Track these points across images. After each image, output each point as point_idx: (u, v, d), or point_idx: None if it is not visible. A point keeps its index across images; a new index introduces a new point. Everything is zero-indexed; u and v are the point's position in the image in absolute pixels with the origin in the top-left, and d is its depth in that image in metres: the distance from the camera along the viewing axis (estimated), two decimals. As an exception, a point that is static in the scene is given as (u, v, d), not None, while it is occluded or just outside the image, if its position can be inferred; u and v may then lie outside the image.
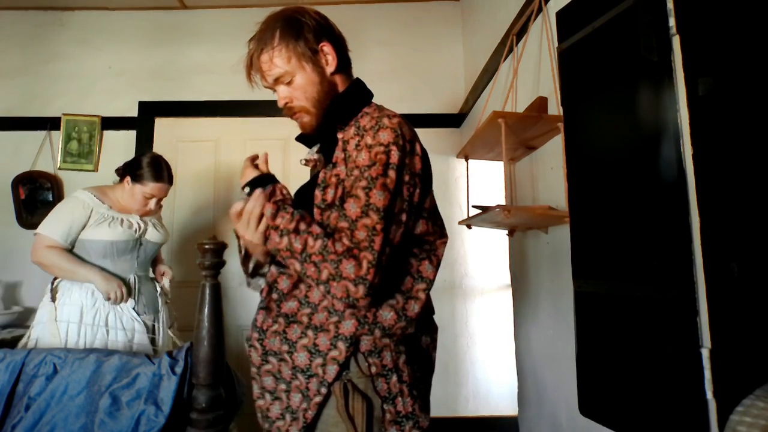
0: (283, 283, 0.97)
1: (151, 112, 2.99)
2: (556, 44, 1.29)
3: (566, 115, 1.24)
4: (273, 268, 1.00)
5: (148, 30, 3.07)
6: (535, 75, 1.80)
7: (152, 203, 1.90)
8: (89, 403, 1.31)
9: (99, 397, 1.32)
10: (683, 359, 0.86)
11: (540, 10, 1.69)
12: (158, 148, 2.97)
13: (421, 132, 3.37)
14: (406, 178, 0.91)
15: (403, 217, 0.90)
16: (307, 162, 1.08)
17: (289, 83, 0.99)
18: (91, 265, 1.79)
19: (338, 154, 0.95)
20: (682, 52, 0.91)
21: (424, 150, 0.98)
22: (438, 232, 1.01)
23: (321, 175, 0.95)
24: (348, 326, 0.90)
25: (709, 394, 0.84)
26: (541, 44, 1.71)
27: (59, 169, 2.90)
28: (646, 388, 0.94)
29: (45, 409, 1.31)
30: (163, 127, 3.01)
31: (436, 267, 0.99)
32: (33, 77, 3.00)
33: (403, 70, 3.05)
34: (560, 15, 1.26)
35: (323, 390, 0.89)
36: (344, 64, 1.04)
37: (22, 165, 2.86)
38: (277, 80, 0.99)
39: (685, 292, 0.87)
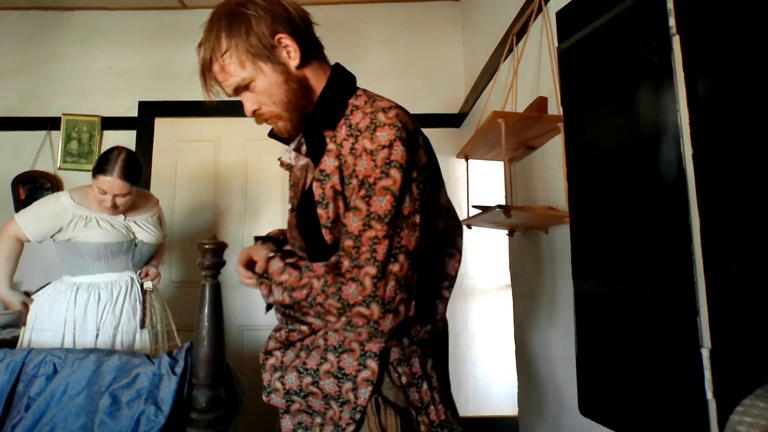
0: (295, 337, 0.91)
1: (151, 112, 3.00)
2: (556, 44, 1.29)
3: (566, 115, 1.24)
4: (283, 330, 0.93)
5: (148, 30, 3.08)
6: (535, 75, 1.80)
7: (107, 200, 1.74)
8: (89, 403, 1.31)
9: (99, 397, 1.32)
10: (683, 359, 0.86)
11: (540, 10, 1.69)
12: (158, 148, 2.97)
13: (421, 132, 3.26)
14: (414, 174, 0.80)
15: (417, 218, 0.79)
16: (282, 164, 0.99)
17: (251, 89, 0.87)
18: (6, 279, 1.79)
19: (331, 162, 0.83)
20: (682, 52, 0.91)
21: (426, 140, 0.89)
22: (455, 225, 0.94)
23: (317, 189, 0.84)
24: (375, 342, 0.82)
25: (709, 394, 0.84)
26: (541, 44, 1.71)
27: (59, 169, 2.90)
28: (646, 388, 0.94)
29: (45, 409, 1.31)
30: (163, 127, 3.01)
31: (459, 261, 0.93)
32: (33, 77, 3.00)
33: (403, 70, 3.05)
34: (560, 15, 1.26)
35: (357, 416, 0.80)
36: (311, 50, 0.90)
37: (22, 165, 2.87)
38: (237, 89, 0.88)
39: (685, 292, 0.87)
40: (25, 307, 1.80)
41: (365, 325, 0.76)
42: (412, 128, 0.83)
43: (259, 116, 0.90)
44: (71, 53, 3.04)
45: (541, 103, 1.65)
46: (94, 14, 3.09)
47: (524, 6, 1.82)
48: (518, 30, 1.90)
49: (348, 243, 0.79)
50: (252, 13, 0.84)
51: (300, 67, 0.88)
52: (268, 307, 0.98)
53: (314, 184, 0.85)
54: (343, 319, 0.78)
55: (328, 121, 0.87)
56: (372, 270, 0.75)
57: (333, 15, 3.10)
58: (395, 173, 0.77)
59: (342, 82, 0.91)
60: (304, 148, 0.94)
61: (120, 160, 1.73)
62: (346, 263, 0.78)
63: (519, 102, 1.92)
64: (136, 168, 1.78)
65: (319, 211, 0.84)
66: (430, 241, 0.88)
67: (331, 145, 0.85)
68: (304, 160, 0.94)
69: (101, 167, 1.73)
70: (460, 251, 0.94)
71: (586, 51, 1.14)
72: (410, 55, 3.07)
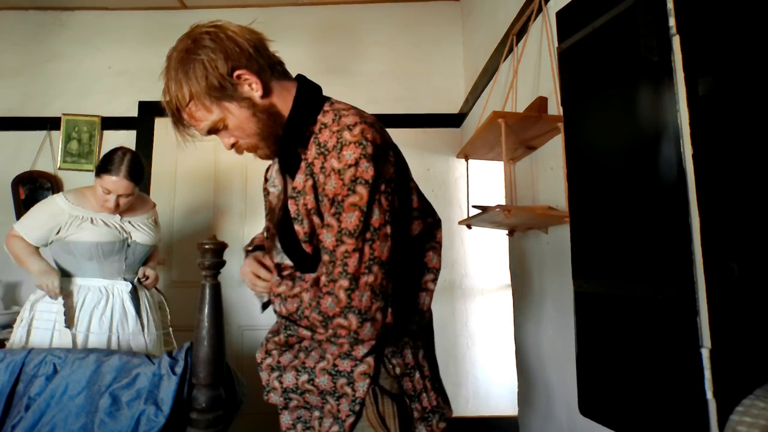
0: (294, 340, 0.95)
1: (151, 112, 2.99)
2: (556, 44, 1.29)
3: (566, 115, 1.24)
4: (281, 334, 0.96)
5: (148, 30, 3.07)
6: (535, 75, 1.80)
7: (111, 200, 1.75)
8: (89, 403, 1.31)
9: (99, 397, 1.32)
10: (683, 359, 0.86)
11: (540, 10, 1.69)
12: (158, 148, 2.97)
13: (421, 132, 3.34)
14: (383, 187, 0.83)
15: (388, 229, 0.82)
16: (266, 189, 1.05)
17: (224, 128, 0.90)
18: (39, 258, 1.79)
19: (301, 180, 0.87)
20: (682, 52, 0.91)
21: (395, 148, 0.91)
22: (432, 222, 0.98)
23: (292, 206, 0.89)
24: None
25: (709, 394, 0.84)
26: (541, 44, 1.71)
27: (59, 169, 2.90)
28: (646, 388, 0.94)
29: (45, 409, 1.31)
30: (163, 127, 3.01)
31: (440, 253, 0.98)
32: (33, 77, 3.00)
33: (403, 70, 3.04)
34: (560, 15, 1.26)
35: (356, 407, 0.85)
36: (272, 73, 0.90)
37: (22, 165, 2.87)
38: (210, 131, 0.91)
39: (685, 292, 0.87)
40: (52, 285, 1.72)
41: (346, 336, 0.82)
42: (380, 141, 0.84)
43: (238, 148, 0.94)
44: (71, 53, 3.04)
45: (541, 103, 1.65)
46: (94, 14, 3.09)
47: (524, 6, 1.82)
48: (518, 30, 1.90)
49: (325, 258, 0.83)
50: (204, 57, 0.84)
51: (264, 96, 0.88)
52: (264, 306, 1.02)
53: (289, 202, 0.89)
54: (330, 331, 0.83)
55: (299, 140, 0.90)
56: (345, 283, 0.80)
57: (333, 15, 3.10)
58: (362, 189, 0.81)
59: (307, 99, 0.92)
60: (276, 168, 1.00)
61: (126, 161, 1.75)
62: (323, 278, 0.83)
63: (519, 102, 1.92)
64: (141, 169, 1.81)
65: (296, 227, 0.88)
66: (408, 243, 0.92)
67: (302, 164, 0.88)
68: (279, 186, 0.98)
69: (106, 167, 1.74)
70: (441, 244, 0.99)
71: (586, 51, 1.14)
72: (410, 55, 3.07)
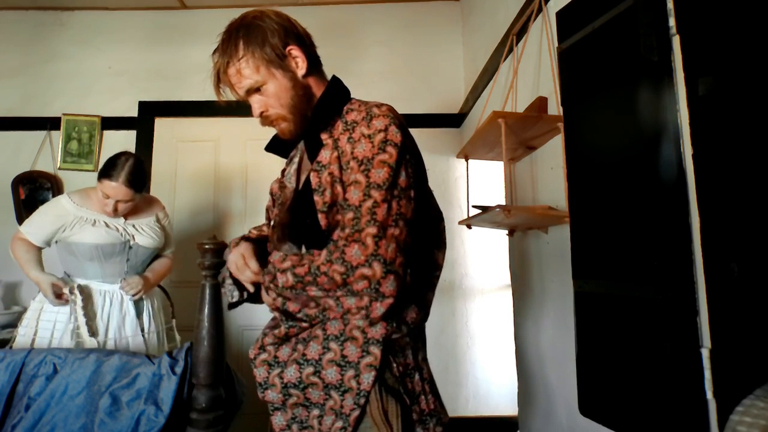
0: (294, 332, 0.93)
1: (151, 112, 3.00)
2: (556, 44, 1.29)
3: (566, 115, 1.24)
4: (282, 326, 0.94)
5: (148, 30, 3.07)
6: (535, 75, 1.80)
7: (109, 204, 1.75)
8: (89, 403, 1.31)
9: (99, 397, 1.32)
10: (683, 359, 0.86)
11: (540, 10, 1.69)
12: (158, 148, 2.97)
13: (420, 132, 3.35)
14: (407, 156, 0.89)
15: (412, 193, 0.88)
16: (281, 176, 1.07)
17: (261, 92, 0.96)
18: (37, 268, 1.78)
19: (327, 154, 0.92)
20: (682, 52, 0.91)
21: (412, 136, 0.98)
22: (438, 216, 1.03)
23: (314, 179, 0.92)
24: (378, 329, 0.85)
25: (709, 394, 0.84)
26: (541, 44, 1.71)
27: (59, 169, 2.90)
28: (646, 388, 0.94)
29: (45, 409, 1.31)
30: (162, 127, 3.01)
31: (444, 251, 1.01)
32: (33, 77, 3.00)
33: (403, 70, 3.04)
34: (560, 15, 1.26)
35: (362, 401, 0.83)
36: (314, 63, 1.01)
37: (22, 165, 2.87)
38: (248, 91, 0.97)
39: (685, 292, 0.87)
40: (57, 288, 1.74)
41: (366, 289, 0.81)
42: (404, 121, 0.94)
43: (265, 118, 0.99)
44: (71, 53, 3.04)
45: (541, 103, 1.65)
46: (94, 14, 3.09)
47: (524, 6, 1.82)
48: (518, 30, 1.90)
49: (348, 216, 0.85)
50: (267, 26, 0.95)
51: (305, 76, 0.98)
52: (231, 305, 1.07)
53: (311, 174, 0.93)
54: (346, 288, 0.82)
55: (324, 123, 0.97)
56: (372, 230, 0.82)
57: (333, 15, 3.10)
58: (391, 149, 0.87)
59: (338, 90, 1.01)
60: (294, 168, 1.04)
61: (127, 167, 1.73)
62: (347, 231, 0.84)
63: (519, 102, 1.92)
64: (142, 176, 1.79)
65: (316, 197, 0.91)
66: (423, 227, 0.95)
67: (327, 141, 0.94)
68: (294, 183, 1.02)
69: (107, 172, 1.73)
70: (445, 241, 1.02)
71: (586, 51, 1.14)
72: (410, 55, 3.07)
